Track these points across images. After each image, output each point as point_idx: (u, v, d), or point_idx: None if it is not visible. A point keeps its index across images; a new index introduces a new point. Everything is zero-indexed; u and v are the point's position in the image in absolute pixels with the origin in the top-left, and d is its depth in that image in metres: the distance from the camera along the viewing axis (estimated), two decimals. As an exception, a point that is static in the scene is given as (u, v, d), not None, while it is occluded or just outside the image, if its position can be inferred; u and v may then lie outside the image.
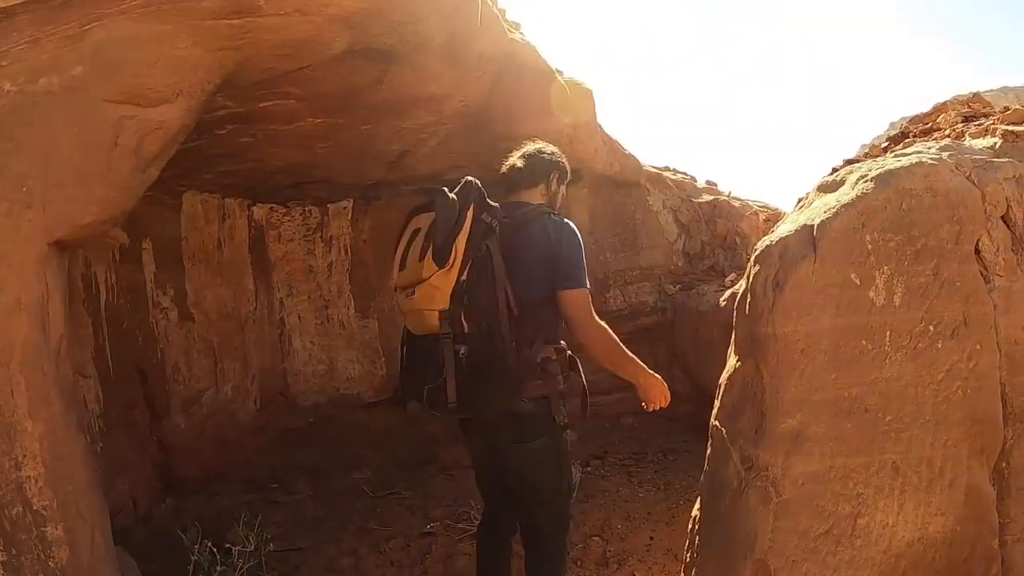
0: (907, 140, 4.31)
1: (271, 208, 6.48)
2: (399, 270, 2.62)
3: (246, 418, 6.06)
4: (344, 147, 4.67)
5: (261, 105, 3.51)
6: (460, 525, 4.44)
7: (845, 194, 2.44)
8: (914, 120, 4.97)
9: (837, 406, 2.29)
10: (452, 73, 4.00)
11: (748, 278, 2.44)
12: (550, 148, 2.87)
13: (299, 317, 6.78)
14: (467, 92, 4.33)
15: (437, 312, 2.39)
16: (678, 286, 6.64)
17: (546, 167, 2.79)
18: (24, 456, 2.41)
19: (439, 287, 2.38)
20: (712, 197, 7.29)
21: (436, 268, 2.36)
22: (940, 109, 4.90)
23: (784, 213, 7.61)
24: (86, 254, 4.21)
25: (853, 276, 2.31)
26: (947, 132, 3.99)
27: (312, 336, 6.81)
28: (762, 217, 7.19)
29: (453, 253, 2.35)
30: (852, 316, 2.31)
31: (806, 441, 2.27)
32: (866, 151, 5.33)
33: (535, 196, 2.76)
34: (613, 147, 6.46)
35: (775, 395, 2.28)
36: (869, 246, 2.33)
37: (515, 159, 2.79)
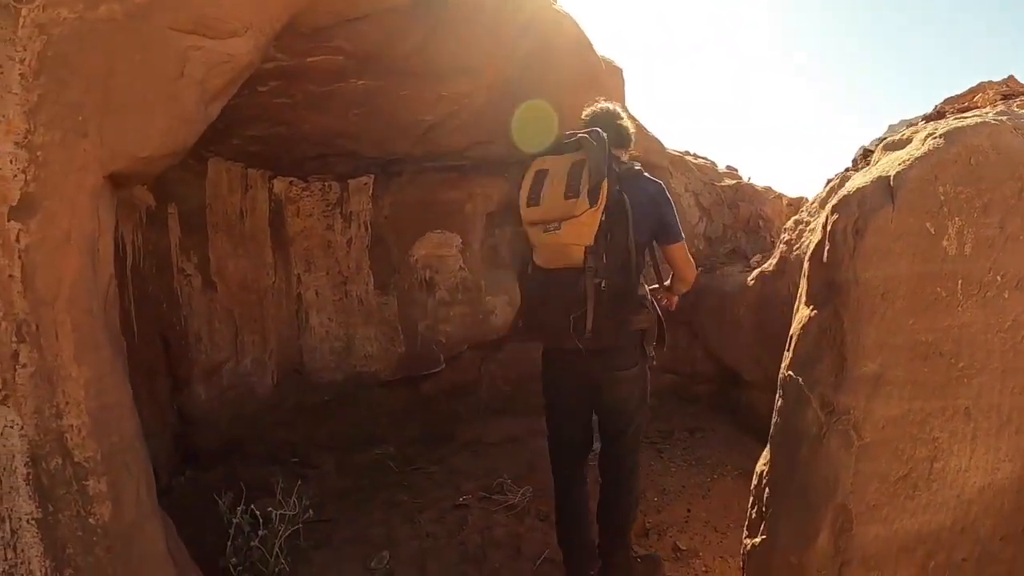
0: (946, 120, 4.31)
1: (291, 182, 6.42)
2: (529, 206, 2.81)
3: (264, 393, 5.99)
4: (377, 114, 4.62)
5: (309, 60, 3.46)
6: (494, 497, 4.38)
7: (916, 149, 2.43)
8: (948, 101, 4.98)
9: (914, 350, 2.27)
10: (494, 40, 3.96)
11: (824, 228, 2.42)
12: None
13: (316, 293, 6.71)
14: (506, 62, 4.29)
15: (583, 247, 2.66)
16: (700, 268, 6.62)
17: (631, 134, 3.12)
18: (67, 404, 2.30)
19: (587, 224, 2.65)
20: (734, 181, 7.29)
21: (588, 206, 2.62)
22: (976, 91, 4.91)
23: (805, 199, 7.62)
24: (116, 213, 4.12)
25: (928, 225, 2.30)
26: (987, 110, 3.99)
27: (330, 312, 6.75)
28: (785, 201, 7.20)
29: (601, 194, 2.63)
30: (927, 264, 2.29)
31: (886, 384, 2.26)
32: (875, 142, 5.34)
33: (623, 155, 3.03)
34: (640, 130, 6.45)
35: (856, 339, 2.25)
36: (942, 197, 2.32)
37: (623, 121, 3.10)
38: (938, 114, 4.55)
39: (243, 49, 2.44)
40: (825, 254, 2.38)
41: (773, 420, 2.68)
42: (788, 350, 2.60)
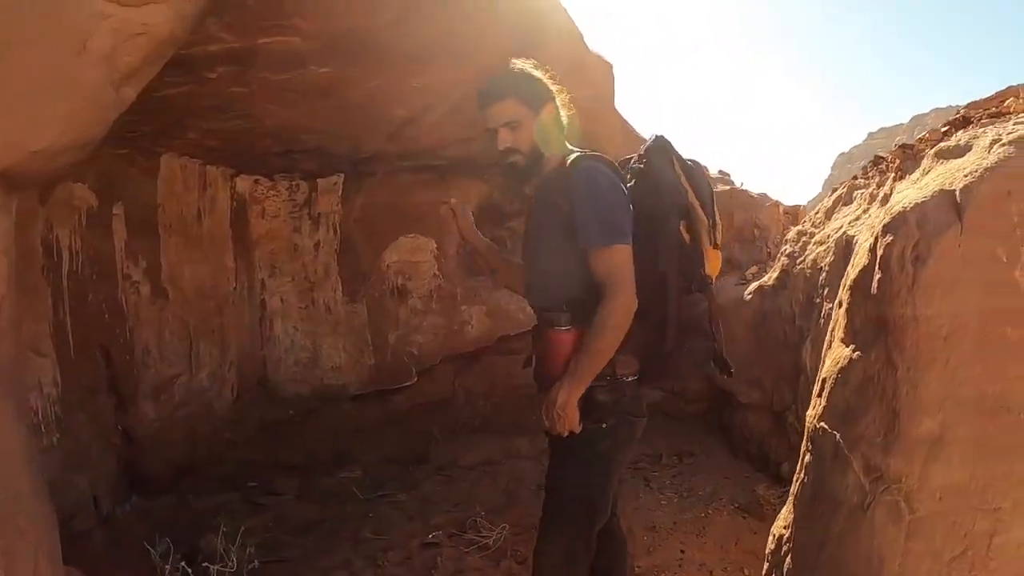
0: (974, 125, 3.93)
1: (256, 180, 5.95)
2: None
3: (222, 409, 5.51)
4: (346, 108, 4.15)
5: (261, 41, 2.99)
6: (467, 535, 3.93)
7: (981, 158, 2.02)
8: (972, 106, 4.60)
9: (981, 404, 1.86)
10: (475, 24, 3.52)
11: (873, 251, 2.00)
12: None
13: (281, 299, 6.25)
14: (489, 49, 3.84)
15: None
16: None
17: None
18: None
19: None
20: (727, 187, 6.91)
21: None
22: (1004, 95, 4.53)
23: (801, 207, 7.25)
24: (48, 215, 3.65)
25: (1000, 251, 1.89)
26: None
27: (295, 321, 6.29)
28: (781, 209, 6.82)
29: None
30: (997, 298, 1.88)
31: (947, 446, 1.85)
32: (878, 148, 4.98)
33: None
34: (627, 130, 6.04)
35: (913, 390, 1.84)
36: (1015, 218, 1.91)
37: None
38: (963, 120, 4.16)
39: (162, 18, 1.98)
40: (875, 284, 1.96)
41: (798, 475, 2.27)
42: (819, 396, 2.18)
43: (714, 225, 2.24)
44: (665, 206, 2.14)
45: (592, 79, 4.98)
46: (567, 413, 2.07)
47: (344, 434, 6.03)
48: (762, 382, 4.90)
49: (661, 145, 2.25)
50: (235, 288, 5.71)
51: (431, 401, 6.43)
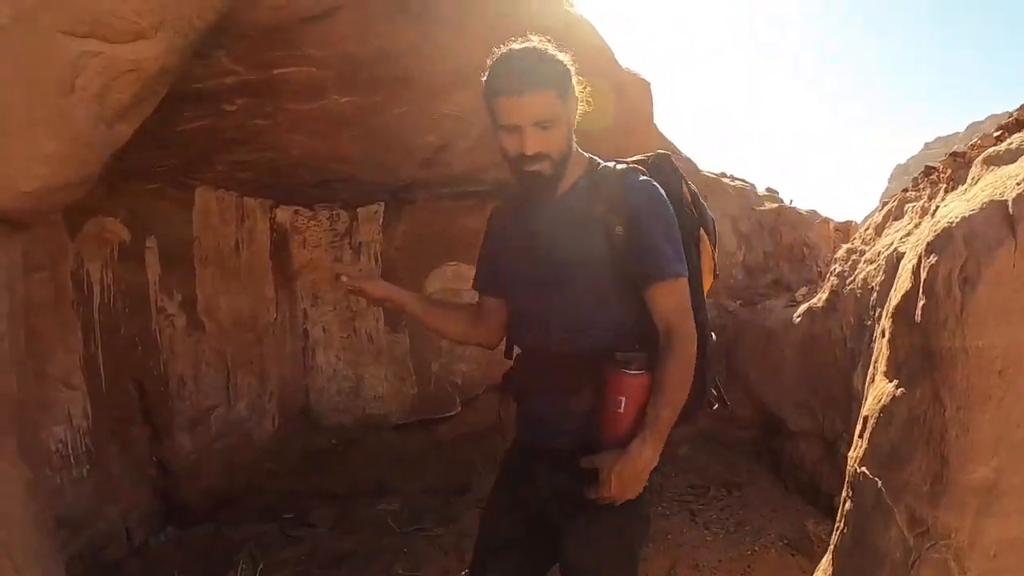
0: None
1: (296, 211, 5.97)
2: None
3: (262, 439, 5.50)
4: (374, 137, 4.11)
5: (276, 72, 2.95)
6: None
7: (1037, 165, 1.80)
8: (1024, 110, 4.29)
9: (1041, 449, 1.63)
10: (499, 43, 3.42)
11: (916, 274, 1.79)
12: None
13: (324, 329, 6.24)
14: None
15: None
16: (739, 301, 6.04)
17: None
18: None
19: None
20: (775, 205, 6.64)
21: None
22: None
23: (853, 223, 6.94)
24: (79, 249, 3.68)
25: (1059, 272, 1.66)
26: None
27: (337, 350, 6.27)
28: (832, 226, 6.53)
29: None
30: (1057, 326, 1.65)
31: (1002, 496, 1.62)
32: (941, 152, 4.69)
33: None
34: (667, 147, 5.87)
35: (964, 433, 1.62)
36: (1076, 232, 1.68)
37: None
38: (1017, 123, 3.87)
39: (151, 53, 1.92)
40: (919, 311, 1.75)
41: (838, 524, 2.06)
42: (860, 436, 1.98)
43: (715, 249, 2.03)
44: (685, 232, 1.87)
45: (629, 98, 4.84)
46: (646, 475, 1.71)
47: (386, 464, 5.95)
48: (812, 409, 4.67)
49: (669, 164, 1.96)
50: (275, 318, 5.71)
51: (474, 431, 6.30)
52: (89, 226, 3.73)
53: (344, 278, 2.02)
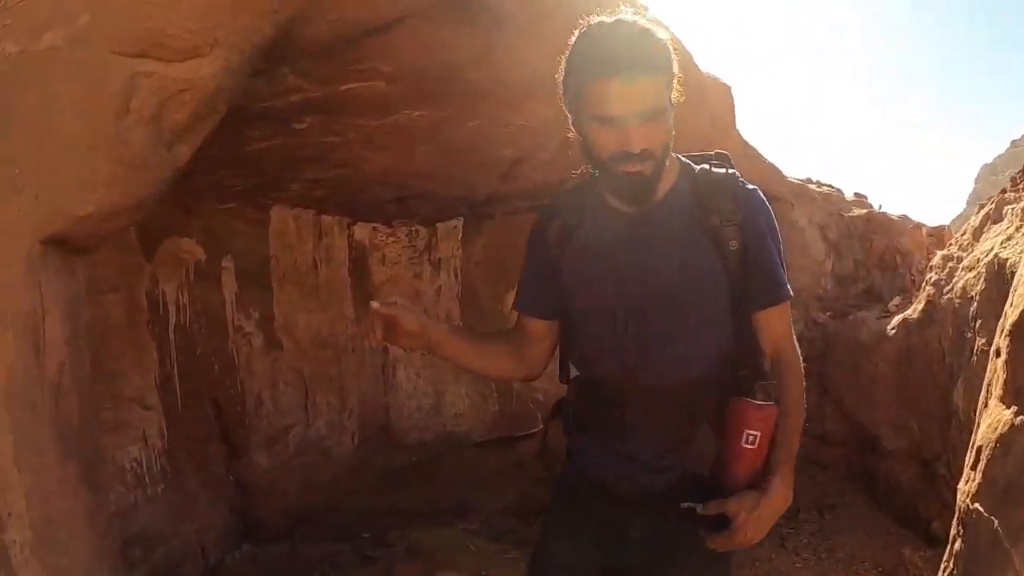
0: None
1: (374, 228, 5.96)
2: None
3: (342, 456, 5.48)
4: (449, 151, 4.02)
5: (343, 88, 2.89)
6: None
7: None
8: None
9: None
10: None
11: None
12: None
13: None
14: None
15: None
16: (828, 313, 5.73)
17: None
18: (9, 515, 1.84)
19: None
20: (864, 211, 6.26)
21: None
22: None
23: (946, 228, 6.47)
24: (154, 270, 3.73)
25: None
26: None
27: (418, 367, 6.21)
28: (924, 232, 6.11)
29: None
30: None
31: None
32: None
33: None
34: (750, 153, 5.58)
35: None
36: None
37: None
38: None
39: (207, 71, 1.87)
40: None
41: (945, 563, 1.81)
42: (972, 467, 1.72)
43: None
44: None
45: (711, 103, 4.61)
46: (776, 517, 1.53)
47: (466, 482, 5.88)
48: (908, 427, 4.41)
49: (730, 165, 1.69)
50: (355, 336, 5.71)
51: (557, 449, 6.16)
52: (165, 247, 3.78)
53: (375, 304, 1.63)
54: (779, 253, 1.59)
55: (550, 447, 1.94)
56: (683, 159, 1.67)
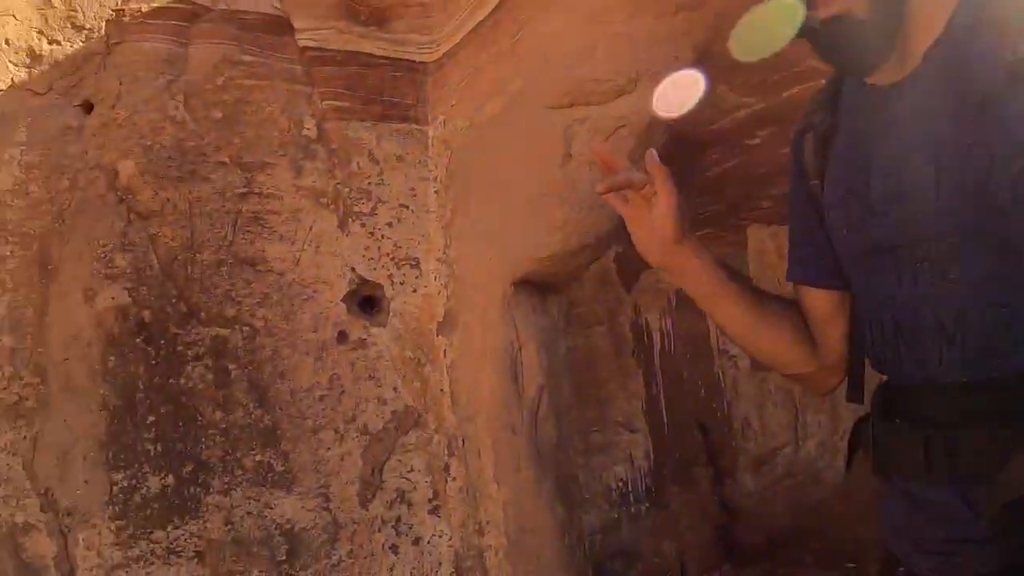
0: None
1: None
2: None
3: (833, 480, 5.12)
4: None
5: (786, 94, 2.73)
6: None
7: None
8: None
9: None
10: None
11: None
12: None
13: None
14: None
15: None
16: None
17: None
18: (488, 522, 2.21)
19: None
20: None
21: None
22: None
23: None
24: (635, 300, 4.02)
25: None
26: None
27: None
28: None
29: None
30: None
31: None
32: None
33: None
34: None
35: None
36: None
37: None
38: None
39: (636, 106, 1.95)
40: None
41: None
42: None
43: None
44: None
45: None
46: None
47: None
48: None
49: None
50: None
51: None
52: (644, 278, 4.04)
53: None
54: None
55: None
56: None
